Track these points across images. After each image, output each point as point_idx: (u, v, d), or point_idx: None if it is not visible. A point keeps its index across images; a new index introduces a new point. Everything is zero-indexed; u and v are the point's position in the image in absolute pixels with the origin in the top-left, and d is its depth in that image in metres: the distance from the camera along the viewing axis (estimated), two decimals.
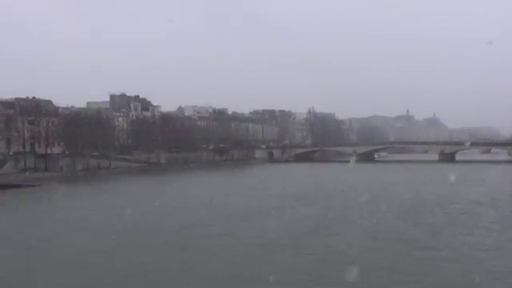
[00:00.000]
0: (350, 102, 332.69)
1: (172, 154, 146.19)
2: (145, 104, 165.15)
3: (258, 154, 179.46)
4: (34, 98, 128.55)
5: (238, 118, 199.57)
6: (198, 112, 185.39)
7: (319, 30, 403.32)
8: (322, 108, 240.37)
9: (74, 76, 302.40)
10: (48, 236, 39.31)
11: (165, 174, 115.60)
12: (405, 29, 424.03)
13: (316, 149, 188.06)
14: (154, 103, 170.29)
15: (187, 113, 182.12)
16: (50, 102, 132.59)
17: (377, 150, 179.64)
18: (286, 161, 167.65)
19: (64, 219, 47.98)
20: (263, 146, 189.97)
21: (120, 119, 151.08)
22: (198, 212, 49.94)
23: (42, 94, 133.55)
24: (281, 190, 71.90)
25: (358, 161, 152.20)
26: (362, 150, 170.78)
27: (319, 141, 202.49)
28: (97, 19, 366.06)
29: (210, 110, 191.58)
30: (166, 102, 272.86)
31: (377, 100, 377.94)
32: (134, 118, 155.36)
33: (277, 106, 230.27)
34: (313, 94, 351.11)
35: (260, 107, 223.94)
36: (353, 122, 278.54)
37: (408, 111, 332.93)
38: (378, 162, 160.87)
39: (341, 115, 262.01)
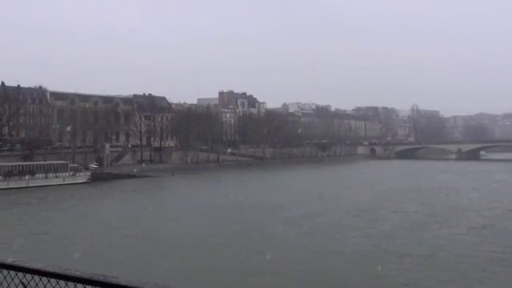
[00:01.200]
0: (454, 99, 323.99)
1: (276, 148, 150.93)
2: (251, 101, 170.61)
3: (360, 150, 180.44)
4: (150, 94, 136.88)
5: (340, 114, 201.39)
6: (302, 109, 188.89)
7: (415, 29, 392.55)
8: (425, 105, 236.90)
9: (185, 75, 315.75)
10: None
11: (271, 168, 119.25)
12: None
13: (419, 146, 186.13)
14: (260, 100, 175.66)
15: (291, 109, 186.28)
16: (164, 98, 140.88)
17: (482, 149, 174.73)
18: (388, 157, 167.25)
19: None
20: (365, 143, 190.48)
21: (228, 115, 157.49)
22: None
23: (157, 91, 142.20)
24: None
25: (461, 159, 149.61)
26: (466, 148, 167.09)
27: (422, 138, 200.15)
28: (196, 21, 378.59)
29: (314, 106, 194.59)
30: (271, 98, 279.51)
31: (483, 97, 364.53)
32: (241, 113, 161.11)
33: (380, 103, 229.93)
34: (416, 91, 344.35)
35: (363, 104, 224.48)
36: (457, 119, 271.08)
37: None
38: (483, 160, 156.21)
39: (445, 113, 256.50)
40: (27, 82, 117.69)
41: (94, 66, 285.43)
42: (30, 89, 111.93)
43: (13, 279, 3.12)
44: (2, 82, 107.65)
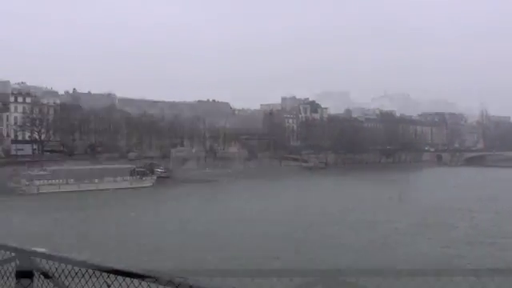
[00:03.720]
0: None
1: (339, 154, 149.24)
2: (314, 106, 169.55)
3: (426, 156, 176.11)
4: (213, 100, 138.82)
5: (405, 120, 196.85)
6: (366, 114, 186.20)
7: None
8: (495, 111, 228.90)
9: (249, 81, 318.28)
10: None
11: (335, 174, 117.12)
12: None
13: (488, 153, 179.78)
14: (323, 105, 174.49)
15: (355, 115, 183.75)
16: (227, 104, 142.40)
17: None
18: (456, 165, 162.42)
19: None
20: (431, 149, 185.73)
21: (290, 120, 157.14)
22: None
23: (220, 97, 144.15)
24: None
25: None
26: None
27: (492, 145, 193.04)
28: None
29: (378, 112, 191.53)
30: (334, 104, 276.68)
31: None
32: (304, 119, 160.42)
33: (447, 108, 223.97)
34: (486, 96, 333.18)
35: (429, 110, 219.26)
36: None
37: None
38: None
39: None
40: (97, 88, 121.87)
41: (160, 74, 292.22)
42: (99, 95, 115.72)
43: (97, 279, 3.31)
44: (74, 89, 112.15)
